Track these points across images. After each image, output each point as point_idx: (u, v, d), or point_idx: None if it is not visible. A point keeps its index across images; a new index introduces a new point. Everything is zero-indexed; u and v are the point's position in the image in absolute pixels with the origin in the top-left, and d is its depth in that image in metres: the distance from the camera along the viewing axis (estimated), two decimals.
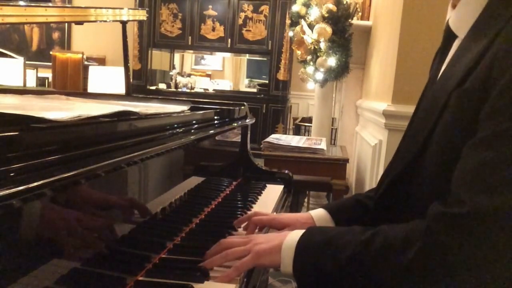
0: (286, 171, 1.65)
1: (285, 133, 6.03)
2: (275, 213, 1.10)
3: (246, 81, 7.75)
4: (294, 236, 0.79)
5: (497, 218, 0.56)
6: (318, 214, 1.02)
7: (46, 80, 5.50)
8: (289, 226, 0.99)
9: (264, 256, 0.80)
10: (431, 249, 0.61)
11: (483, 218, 0.57)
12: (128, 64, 1.97)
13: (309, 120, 4.78)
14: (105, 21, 1.75)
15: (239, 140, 1.66)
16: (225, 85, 6.94)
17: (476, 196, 0.58)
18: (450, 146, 0.69)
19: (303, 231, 0.79)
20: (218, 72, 7.71)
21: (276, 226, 1.02)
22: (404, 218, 0.73)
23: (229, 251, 0.83)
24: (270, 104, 5.95)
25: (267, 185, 1.57)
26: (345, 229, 0.76)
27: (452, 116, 0.70)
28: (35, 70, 5.13)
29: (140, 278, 0.81)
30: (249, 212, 1.09)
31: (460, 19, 0.79)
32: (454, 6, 0.81)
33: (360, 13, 3.69)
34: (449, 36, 0.83)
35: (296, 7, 3.39)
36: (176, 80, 6.38)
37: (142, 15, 2.06)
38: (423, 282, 0.61)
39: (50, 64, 4.74)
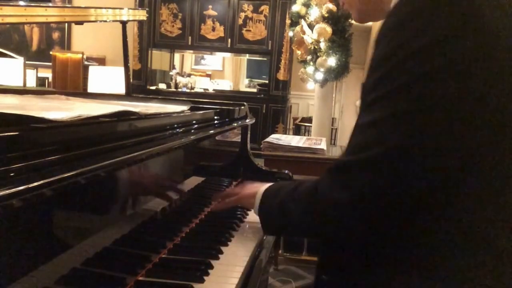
0: (286, 171, 1.65)
1: (285, 133, 6.02)
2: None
3: (246, 81, 7.74)
4: (264, 187, 0.99)
5: (358, 168, 0.69)
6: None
7: (46, 80, 5.50)
8: None
9: (244, 199, 1.07)
10: (318, 195, 0.77)
11: (348, 168, 0.72)
12: (128, 64, 1.96)
13: (309, 120, 4.78)
14: (105, 21, 1.75)
15: (239, 140, 1.66)
16: (225, 85, 6.93)
17: (347, 153, 0.73)
18: None
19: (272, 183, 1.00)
20: (218, 72, 7.70)
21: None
22: None
23: (227, 200, 1.13)
24: (270, 104, 5.94)
25: None
26: (290, 182, 0.94)
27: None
28: (35, 70, 5.12)
29: (140, 278, 0.81)
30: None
31: None
32: None
33: None
34: None
35: (296, 7, 3.39)
36: (176, 80, 6.38)
37: (142, 15, 2.06)
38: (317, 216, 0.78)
39: (50, 64, 4.73)
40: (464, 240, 0.66)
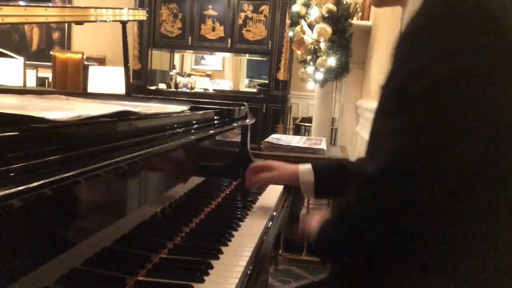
0: None
1: (285, 133, 6.02)
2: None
3: (246, 81, 7.73)
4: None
5: (379, 179, 0.69)
6: (304, 168, 1.20)
7: (46, 80, 5.50)
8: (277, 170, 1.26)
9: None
10: (346, 213, 0.79)
11: (371, 180, 0.72)
12: (128, 64, 1.96)
13: (309, 120, 4.77)
14: (105, 21, 1.75)
15: (239, 140, 1.66)
16: (225, 85, 6.92)
17: (368, 164, 0.73)
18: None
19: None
20: (218, 72, 7.69)
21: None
22: None
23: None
24: (270, 104, 5.94)
25: None
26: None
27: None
28: (35, 70, 5.12)
29: (140, 278, 0.81)
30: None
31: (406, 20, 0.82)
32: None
33: (360, 13, 3.69)
34: None
35: (296, 7, 3.39)
36: (176, 80, 6.37)
37: (142, 15, 2.06)
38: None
39: (50, 64, 4.73)
40: (470, 244, 0.70)
